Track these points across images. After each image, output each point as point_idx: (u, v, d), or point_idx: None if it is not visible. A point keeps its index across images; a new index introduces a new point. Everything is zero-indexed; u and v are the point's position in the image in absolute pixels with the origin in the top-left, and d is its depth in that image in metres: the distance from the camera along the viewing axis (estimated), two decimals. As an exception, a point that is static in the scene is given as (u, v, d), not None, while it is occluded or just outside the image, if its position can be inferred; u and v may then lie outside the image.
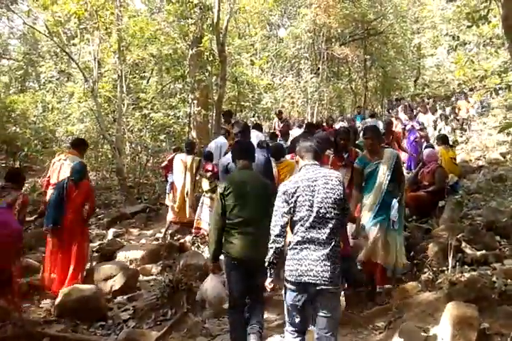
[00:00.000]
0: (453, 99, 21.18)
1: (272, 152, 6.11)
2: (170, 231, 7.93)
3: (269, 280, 3.35)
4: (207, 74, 13.35)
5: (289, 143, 9.29)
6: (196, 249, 6.94)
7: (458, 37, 10.87)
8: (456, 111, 16.33)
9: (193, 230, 7.46)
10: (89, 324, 4.78)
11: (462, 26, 14.23)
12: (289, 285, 3.18)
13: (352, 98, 24.84)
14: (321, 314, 3.13)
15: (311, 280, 3.07)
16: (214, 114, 13.19)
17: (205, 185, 7.57)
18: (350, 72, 24.11)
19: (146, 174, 12.76)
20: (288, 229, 3.30)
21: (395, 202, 4.75)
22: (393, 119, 12.87)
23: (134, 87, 15.18)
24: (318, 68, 19.94)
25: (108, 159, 13.17)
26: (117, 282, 5.57)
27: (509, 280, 4.32)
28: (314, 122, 12.70)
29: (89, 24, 12.00)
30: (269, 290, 3.41)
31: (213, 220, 3.99)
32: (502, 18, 4.48)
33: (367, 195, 4.91)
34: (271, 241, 3.25)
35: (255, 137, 8.50)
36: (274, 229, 3.24)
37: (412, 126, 11.33)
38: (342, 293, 4.43)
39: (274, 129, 12.54)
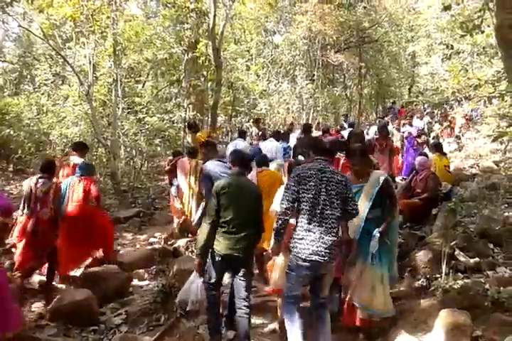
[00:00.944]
0: (447, 106, 21.37)
1: (256, 158, 6.24)
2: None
3: (273, 245, 4.01)
4: (202, 79, 13.40)
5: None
6: (190, 254, 6.91)
7: (452, 46, 10.97)
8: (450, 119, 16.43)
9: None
10: (81, 328, 4.74)
11: (456, 35, 14.36)
12: (300, 262, 3.73)
13: (347, 105, 24.95)
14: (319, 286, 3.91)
15: (318, 259, 3.68)
16: (209, 119, 13.20)
17: None
18: (345, 79, 24.26)
19: (141, 178, 12.73)
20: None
21: (375, 233, 4.14)
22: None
23: (129, 91, 15.16)
24: (314, 75, 20.02)
25: (102, 163, 13.13)
26: (110, 286, 5.54)
27: (502, 288, 4.34)
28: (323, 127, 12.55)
29: (84, 27, 11.99)
30: (271, 253, 4.26)
31: (208, 217, 4.12)
32: (495, 28, 4.53)
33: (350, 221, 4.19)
34: (280, 213, 3.80)
35: (236, 145, 8.67)
36: (284, 203, 3.77)
37: (410, 132, 11.33)
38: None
39: (252, 138, 12.53)
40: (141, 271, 6.51)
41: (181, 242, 7.32)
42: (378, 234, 4.13)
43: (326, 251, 3.69)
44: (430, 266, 5.00)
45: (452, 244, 5.22)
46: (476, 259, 5.09)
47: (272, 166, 7.15)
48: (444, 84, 17.65)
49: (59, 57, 13.46)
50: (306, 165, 4.00)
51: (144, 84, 17.32)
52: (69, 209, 6.12)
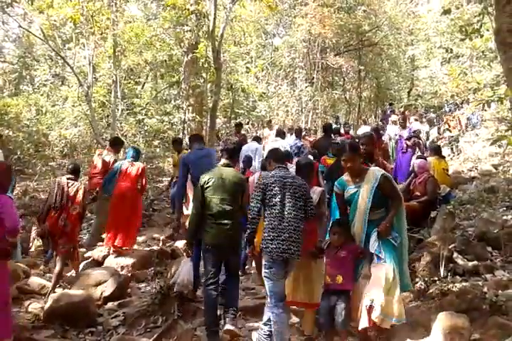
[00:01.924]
0: (446, 109, 21.42)
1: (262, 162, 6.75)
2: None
3: (248, 249, 4.38)
4: (202, 80, 13.39)
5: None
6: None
7: (451, 49, 11.03)
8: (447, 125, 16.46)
9: None
10: (78, 330, 4.72)
11: (456, 39, 14.40)
12: (274, 261, 4.00)
13: (346, 108, 24.98)
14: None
15: (289, 256, 3.98)
16: (208, 121, 13.21)
17: None
18: (345, 82, 24.27)
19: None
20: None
21: (373, 232, 3.91)
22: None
23: (128, 93, 15.18)
24: (313, 77, 20.05)
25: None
26: (108, 288, 5.52)
27: (500, 291, 4.34)
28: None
29: (84, 29, 12.02)
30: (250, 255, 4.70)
31: (194, 207, 4.46)
32: (494, 32, 4.53)
33: (352, 224, 4.09)
34: (248, 223, 4.10)
35: (250, 147, 9.06)
36: (251, 213, 4.09)
37: (400, 135, 11.20)
38: None
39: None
40: (139, 272, 6.50)
41: (179, 244, 7.32)
42: (376, 232, 3.88)
43: (295, 248, 4.00)
44: (428, 269, 4.98)
45: (451, 247, 5.22)
46: (475, 262, 5.09)
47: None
48: (443, 88, 17.72)
49: (59, 58, 13.50)
50: (270, 173, 4.34)
51: (143, 86, 17.34)
52: (118, 188, 6.92)
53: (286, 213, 4.04)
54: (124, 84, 14.22)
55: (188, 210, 7.73)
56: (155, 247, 7.53)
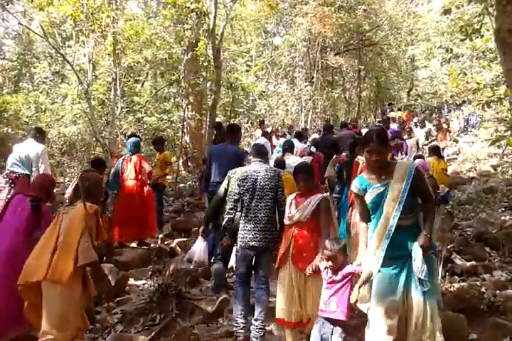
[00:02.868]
0: (445, 110, 21.44)
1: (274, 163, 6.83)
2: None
3: (225, 239, 4.66)
4: (201, 79, 13.38)
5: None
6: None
7: (451, 50, 11.02)
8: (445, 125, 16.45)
9: None
10: (76, 327, 4.72)
11: (456, 39, 14.41)
12: (243, 247, 4.34)
13: (345, 107, 24.98)
14: (259, 266, 4.37)
15: (255, 244, 4.25)
16: (208, 119, 13.20)
17: None
18: (344, 81, 24.27)
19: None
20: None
21: (415, 248, 3.08)
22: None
23: (128, 91, 15.17)
24: (313, 77, 20.05)
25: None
26: (107, 285, 5.52)
27: (498, 292, 4.35)
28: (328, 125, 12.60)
29: (84, 26, 12.00)
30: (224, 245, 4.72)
31: (216, 197, 5.05)
32: (495, 32, 4.53)
33: (370, 234, 3.32)
34: (226, 213, 4.51)
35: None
36: (229, 205, 4.50)
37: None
38: None
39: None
40: (137, 270, 6.50)
41: (178, 242, 7.32)
42: (421, 250, 3.07)
43: (261, 236, 4.26)
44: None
45: (449, 247, 5.24)
46: (473, 262, 5.10)
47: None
48: (443, 88, 17.73)
49: (58, 55, 13.47)
50: (244, 168, 4.74)
51: (143, 84, 17.33)
52: (123, 187, 6.97)
53: (254, 204, 4.33)
54: (123, 82, 14.20)
55: None
56: (153, 245, 7.52)
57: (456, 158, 13.63)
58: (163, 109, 14.92)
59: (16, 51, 19.91)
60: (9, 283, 3.75)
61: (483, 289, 4.37)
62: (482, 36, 8.87)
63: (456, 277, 4.76)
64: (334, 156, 7.55)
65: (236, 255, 4.55)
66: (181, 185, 12.53)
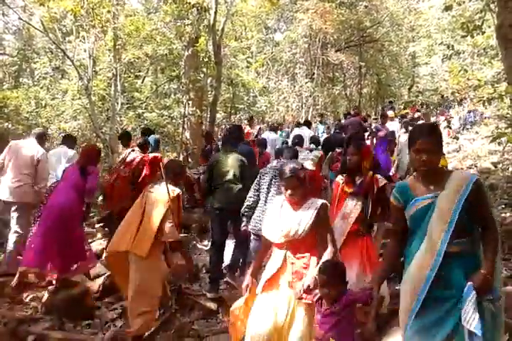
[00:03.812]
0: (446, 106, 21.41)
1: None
2: None
3: (242, 225, 5.09)
4: (202, 75, 13.35)
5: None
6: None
7: (453, 46, 11.03)
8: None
9: None
10: (76, 322, 4.72)
11: (457, 36, 14.38)
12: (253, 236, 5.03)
13: (346, 104, 24.95)
14: None
15: None
16: (208, 116, 13.19)
17: None
18: (345, 78, 24.23)
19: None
20: None
21: (468, 289, 2.34)
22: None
23: (128, 86, 15.15)
24: (314, 73, 20.01)
25: (101, 157, 13.12)
26: (106, 281, 5.52)
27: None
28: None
29: (85, 21, 11.97)
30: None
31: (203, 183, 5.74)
32: (496, 27, 4.53)
33: (408, 259, 2.60)
34: (246, 201, 5.04)
35: (268, 137, 10.43)
36: (250, 194, 5.05)
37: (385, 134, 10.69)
38: None
39: None
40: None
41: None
42: (474, 293, 2.32)
43: None
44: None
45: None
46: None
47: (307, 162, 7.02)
48: (444, 85, 17.70)
49: (59, 50, 13.44)
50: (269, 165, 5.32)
51: (143, 80, 17.30)
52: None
53: (270, 195, 4.89)
54: (124, 77, 14.18)
55: None
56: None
57: (456, 155, 13.62)
58: (163, 105, 14.90)
59: (16, 46, 19.85)
60: (60, 233, 4.83)
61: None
62: (483, 33, 8.86)
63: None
64: (330, 153, 7.52)
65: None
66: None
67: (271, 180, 4.95)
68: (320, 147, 8.77)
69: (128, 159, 6.61)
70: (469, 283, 2.35)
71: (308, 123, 11.83)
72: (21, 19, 13.39)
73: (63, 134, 8.07)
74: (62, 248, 4.86)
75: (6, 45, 20.62)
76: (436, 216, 2.46)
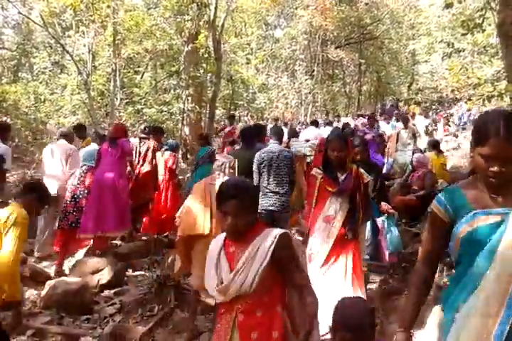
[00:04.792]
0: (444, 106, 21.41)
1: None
2: None
3: None
4: (202, 71, 13.32)
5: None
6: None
7: (453, 44, 10.99)
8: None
9: None
10: (75, 317, 4.72)
11: (457, 34, 14.37)
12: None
13: (345, 101, 24.94)
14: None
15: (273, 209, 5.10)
16: (207, 112, 13.17)
17: None
18: (345, 75, 24.24)
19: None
20: None
21: None
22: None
23: (127, 82, 15.12)
24: (313, 70, 20.00)
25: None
26: (105, 276, 5.51)
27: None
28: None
29: (84, 16, 11.95)
30: None
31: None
32: (498, 25, 4.53)
33: (460, 300, 1.79)
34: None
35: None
36: (255, 177, 5.22)
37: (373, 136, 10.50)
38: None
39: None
40: (136, 261, 6.51)
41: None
42: None
43: (278, 203, 5.14)
44: (425, 263, 4.98)
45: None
46: (471, 257, 5.08)
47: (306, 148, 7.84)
48: (443, 83, 17.70)
49: (58, 45, 13.41)
50: (265, 148, 5.43)
51: (142, 75, 17.26)
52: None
53: (271, 178, 5.18)
54: (123, 73, 14.16)
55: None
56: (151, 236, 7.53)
57: (455, 153, 13.62)
58: (162, 101, 14.88)
59: (16, 41, 19.75)
60: (115, 196, 5.77)
61: (480, 283, 4.36)
62: (484, 31, 8.84)
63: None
64: None
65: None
66: (180, 177, 12.52)
67: (269, 164, 5.27)
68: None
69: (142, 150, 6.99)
70: None
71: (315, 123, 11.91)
72: (21, 13, 13.35)
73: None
74: (114, 213, 5.77)
75: (5, 40, 20.51)
76: (508, 237, 1.68)
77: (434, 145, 8.75)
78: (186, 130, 13.47)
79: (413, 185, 7.11)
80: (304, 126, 14.29)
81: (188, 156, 13.29)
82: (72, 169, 6.25)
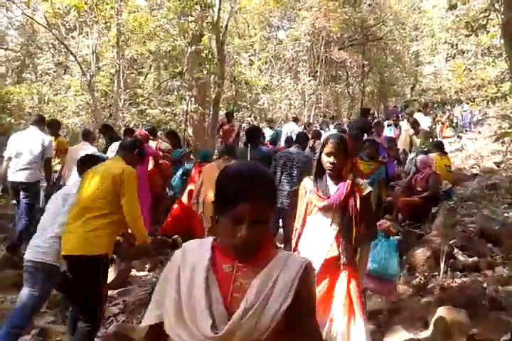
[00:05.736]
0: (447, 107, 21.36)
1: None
2: None
3: None
4: (205, 72, 13.33)
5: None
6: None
7: (456, 45, 10.99)
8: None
9: None
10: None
11: (461, 35, 14.33)
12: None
13: (349, 103, 24.92)
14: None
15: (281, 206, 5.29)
16: (211, 113, 13.18)
17: None
18: (348, 76, 24.21)
19: (140, 170, 12.73)
20: None
21: None
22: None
23: (131, 83, 15.13)
24: (316, 71, 19.99)
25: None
26: (109, 276, 5.54)
27: (499, 287, 4.35)
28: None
29: (88, 17, 11.97)
30: None
31: None
32: (502, 26, 4.52)
33: None
34: None
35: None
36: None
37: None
38: None
39: None
40: (139, 261, 6.51)
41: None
42: None
43: (285, 200, 5.35)
44: (428, 264, 4.99)
45: (451, 242, 5.23)
46: (475, 258, 5.09)
47: None
48: (447, 84, 17.67)
49: (62, 46, 13.45)
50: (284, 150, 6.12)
51: (146, 76, 17.27)
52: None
53: (283, 176, 5.48)
54: (127, 74, 14.17)
55: None
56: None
57: (459, 154, 13.59)
58: (166, 102, 14.89)
59: (20, 42, 19.81)
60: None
61: (484, 285, 4.37)
62: (487, 32, 8.84)
63: (457, 272, 4.76)
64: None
65: None
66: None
67: (284, 164, 5.56)
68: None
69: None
70: None
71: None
72: (25, 14, 13.36)
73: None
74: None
75: (10, 41, 20.59)
76: None
77: (438, 146, 8.74)
78: (190, 131, 13.48)
79: (417, 186, 7.09)
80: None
81: (192, 157, 13.29)
82: None
